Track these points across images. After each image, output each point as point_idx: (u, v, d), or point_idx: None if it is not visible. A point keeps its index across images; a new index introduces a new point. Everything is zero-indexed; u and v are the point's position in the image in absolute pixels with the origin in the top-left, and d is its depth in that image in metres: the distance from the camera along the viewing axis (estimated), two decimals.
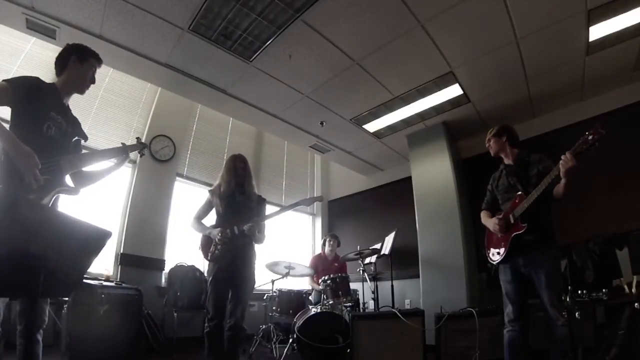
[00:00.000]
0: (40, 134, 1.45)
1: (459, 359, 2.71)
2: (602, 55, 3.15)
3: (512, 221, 2.04)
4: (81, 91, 1.71)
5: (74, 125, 1.67)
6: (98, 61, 1.72)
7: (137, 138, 2.01)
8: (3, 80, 1.43)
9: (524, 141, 4.03)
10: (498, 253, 2.11)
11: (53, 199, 1.47)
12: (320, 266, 4.27)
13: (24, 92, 1.45)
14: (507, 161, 2.27)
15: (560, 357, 1.84)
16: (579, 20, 2.76)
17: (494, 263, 2.15)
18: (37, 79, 1.55)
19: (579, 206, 3.38)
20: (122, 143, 1.84)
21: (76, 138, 1.67)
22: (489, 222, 2.20)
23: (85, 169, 1.70)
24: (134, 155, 4.51)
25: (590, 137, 1.74)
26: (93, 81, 1.72)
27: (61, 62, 1.65)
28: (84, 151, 1.76)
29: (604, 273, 2.55)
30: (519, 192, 2.06)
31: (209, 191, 2.56)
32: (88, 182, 1.71)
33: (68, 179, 1.62)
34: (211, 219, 2.53)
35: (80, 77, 1.66)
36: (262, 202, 2.56)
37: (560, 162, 1.79)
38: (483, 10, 2.70)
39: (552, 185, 1.90)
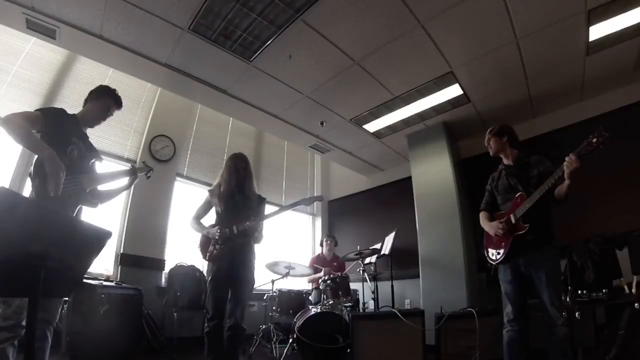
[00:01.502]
0: (64, 154, 1.67)
1: (459, 359, 2.71)
2: (602, 55, 3.15)
3: (513, 221, 2.03)
4: (91, 125, 1.95)
5: (92, 150, 1.92)
6: (113, 102, 1.96)
7: (144, 162, 2.36)
8: (37, 110, 1.69)
9: (523, 141, 4.05)
10: (498, 253, 2.10)
11: (77, 210, 1.73)
12: (319, 267, 4.27)
13: (53, 119, 1.70)
14: (507, 161, 2.26)
15: (560, 356, 1.84)
16: (579, 20, 2.76)
17: (494, 263, 2.14)
18: (62, 110, 1.81)
19: (579, 206, 3.37)
20: (131, 165, 2.11)
21: (93, 160, 1.91)
22: (490, 225, 2.17)
23: (100, 188, 1.94)
24: (134, 155, 4.54)
25: (594, 140, 1.74)
26: (103, 119, 1.96)
27: (86, 97, 1.95)
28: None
29: (604, 273, 2.54)
30: (520, 193, 2.06)
31: (209, 191, 2.55)
32: (102, 200, 1.93)
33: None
34: (211, 218, 2.52)
35: (94, 112, 1.92)
36: (262, 201, 2.56)
37: (565, 163, 1.78)
38: (483, 10, 2.70)
39: (554, 186, 1.89)
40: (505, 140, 2.24)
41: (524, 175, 2.11)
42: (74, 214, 1.71)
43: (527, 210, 1.96)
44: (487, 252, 2.20)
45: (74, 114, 1.87)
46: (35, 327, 1.40)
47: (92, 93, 1.94)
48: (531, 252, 1.97)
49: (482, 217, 2.30)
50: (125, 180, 2.09)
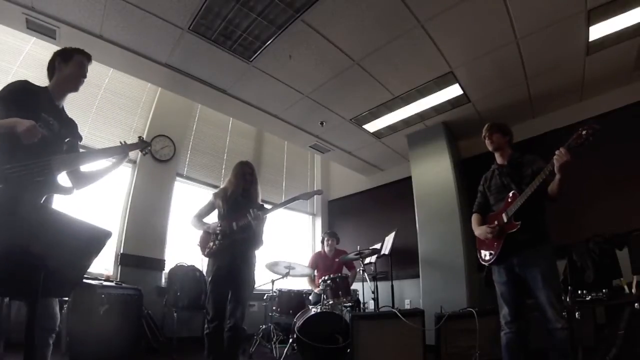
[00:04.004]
0: None
1: (459, 359, 2.71)
2: (602, 55, 3.15)
3: (505, 220, 2.00)
4: (74, 88, 1.71)
5: (69, 127, 1.69)
6: (84, 56, 1.72)
7: (139, 137, 1.98)
8: None
9: (524, 141, 4.06)
10: (491, 254, 2.07)
11: (44, 200, 1.49)
12: (321, 264, 4.25)
13: (11, 98, 1.49)
14: (501, 161, 2.23)
15: (561, 359, 1.82)
16: (579, 20, 2.76)
17: (486, 264, 2.11)
18: (25, 82, 1.57)
19: (579, 206, 3.38)
20: (120, 142, 1.83)
21: (68, 139, 1.66)
22: (480, 229, 2.14)
23: (83, 169, 1.72)
24: (134, 154, 4.51)
25: (584, 133, 1.74)
26: (84, 75, 1.72)
27: (50, 68, 1.69)
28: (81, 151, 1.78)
29: (604, 273, 2.55)
30: (513, 191, 2.03)
31: (213, 194, 2.58)
32: (86, 182, 1.74)
33: (65, 180, 1.65)
34: (212, 220, 2.53)
35: (68, 76, 1.67)
36: (263, 209, 2.57)
37: (555, 156, 1.77)
38: (483, 10, 2.70)
39: (547, 183, 1.87)
40: (508, 139, 2.23)
41: (518, 174, 2.09)
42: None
43: (520, 209, 1.93)
44: (480, 253, 2.17)
45: (44, 87, 1.65)
46: (35, 327, 1.41)
47: (55, 59, 1.68)
48: (525, 251, 1.94)
49: (474, 220, 2.27)
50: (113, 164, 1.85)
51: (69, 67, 1.67)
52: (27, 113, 1.45)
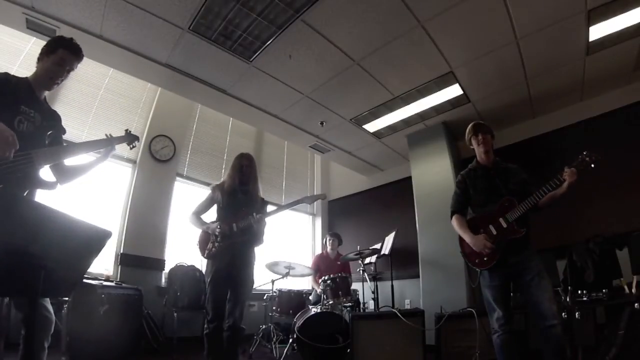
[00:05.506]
0: (11, 129, 1.39)
1: (459, 359, 2.71)
2: (602, 55, 3.15)
3: (504, 225, 1.99)
4: (54, 83, 1.62)
5: (51, 119, 1.62)
6: (69, 52, 1.61)
7: (126, 130, 1.91)
8: None
9: (524, 141, 4.05)
10: (485, 260, 2.00)
11: (26, 194, 1.44)
12: (322, 265, 4.26)
13: None
14: (486, 163, 2.22)
15: (559, 357, 1.79)
16: (579, 20, 2.76)
17: (479, 269, 2.03)
18: (4, 74, 1.52)
19: (579, 206, 3.38)
20: (105, 134, 1.78)
21: (51, 132, 1.60)
22: (476, 239, 2.01)
23: (68, 163, 1.66)
24: (134, 154, 4.51)
25: (587, 159, 1.85)
26: (62, 71, 1.61)
27: (37, 58, 1.62)
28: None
29: (604, 273, 2.55)
30: (507, 197, 2.02)
31: (212, 188, 2.54)
32: (71, 177, 1.68)
33: (49, 174, 1.59)
34: (211, 217, 2.51)
35: (47, 69, 1.58)
36: (264, 204, 2.56)
37: (566, 173, 1.84)
38: (483, 10, 2.70)
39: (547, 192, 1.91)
40: (493, 142, 2.26)
41: (505, 178, 2.10)
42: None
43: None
44: (471, 257, 2.08)
45: (25, 77, 1.58)
46: (35, 328, 1.40)
47: (42, 48, 1.60)
48: (521, 252, 1.95)
49: (459, 221, 2.15)
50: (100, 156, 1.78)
51: (50, 60, 1.58)
52: (6, 107, 1.40)
